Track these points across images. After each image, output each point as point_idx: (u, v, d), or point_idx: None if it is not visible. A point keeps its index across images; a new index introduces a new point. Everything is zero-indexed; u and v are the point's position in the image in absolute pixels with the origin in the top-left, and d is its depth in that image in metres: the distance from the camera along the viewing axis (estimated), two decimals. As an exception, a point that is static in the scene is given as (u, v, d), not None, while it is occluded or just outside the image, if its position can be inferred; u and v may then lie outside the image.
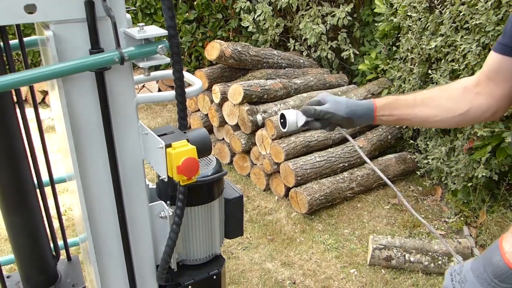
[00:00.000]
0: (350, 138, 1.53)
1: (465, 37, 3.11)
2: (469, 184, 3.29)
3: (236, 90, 4.00)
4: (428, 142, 3.79)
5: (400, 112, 1.38)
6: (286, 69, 4.82)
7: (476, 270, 0.99)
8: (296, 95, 4.38)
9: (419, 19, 3.67)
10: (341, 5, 4.90)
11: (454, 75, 3.34)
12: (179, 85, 1.06)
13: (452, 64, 3.28)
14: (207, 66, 5.22)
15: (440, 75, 3.40)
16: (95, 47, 0.93)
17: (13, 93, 1.08)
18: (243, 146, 4.08)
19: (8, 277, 1.30)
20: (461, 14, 3.14)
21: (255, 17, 5.27)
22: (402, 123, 1.39)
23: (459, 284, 1.01)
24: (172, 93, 1.11)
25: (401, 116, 1.39)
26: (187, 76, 1.19)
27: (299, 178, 3.64)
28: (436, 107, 1.35)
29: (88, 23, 0.90)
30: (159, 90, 5.85)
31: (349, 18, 4.86)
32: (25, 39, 1.14)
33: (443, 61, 3.42)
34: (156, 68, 5.29)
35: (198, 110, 4.58)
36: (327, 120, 1.40)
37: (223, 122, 4.29)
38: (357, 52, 5.08)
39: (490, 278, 0.97)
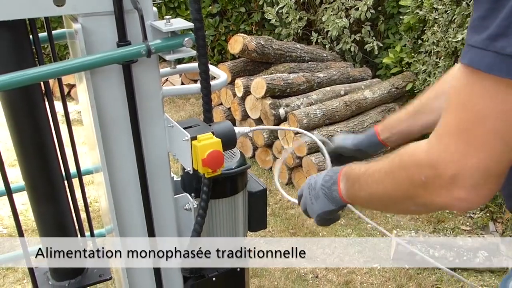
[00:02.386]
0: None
1: (493, 29, 3.04)
2: (496, 180, 3.22)
3: (259, 83, 4.00)
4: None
5: (399, 129, 1.37)
6: (309, 62, 4.79)
7: (325, 190, 1.10)
8: (319, 89, 4.36)
9: (446, 11, 3.60)
10: (364, -2, 4.84)
11: (481, 68, 3.27)
12: (205, 78, 1.06)
13: (480, 57, 3.20)
14: (230, 60, 5.22)
15: (467, 68, 3.33)
16: (122, 40, 0.93)
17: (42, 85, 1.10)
18: (266, 139, 4.07)
19: (36, 267, 1.33)
20: (489, 6, 3.07)
21: (278, 9, 5.25)
22: (410, 138, 1.40)
23: (314, 198, 1.13)
24: (197, 86, 1.11)
25: (402, 132, 1.37)
26: (212, 69, 1.19)
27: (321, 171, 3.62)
28: (431, 111, 1.30)
29: (115, 16, 0.91)
30: (182, 84, 5.88)
31: (372, 11, 4.80)
32: (53, 32, 1.15)
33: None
34: (179, 61, 5.32)
35: (221, 103, 4.59)
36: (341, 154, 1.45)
37: (245, 116, 4.29)
38: (381, 45, 5.01)
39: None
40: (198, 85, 1.10)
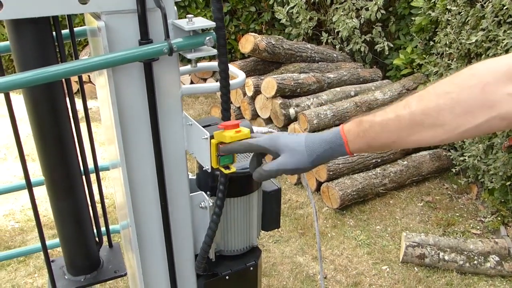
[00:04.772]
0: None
1: (508, 31, 3.03)
2: (508, 183, 3.21)
3: (269, 83, 4.00)
4: (464, 139, 3.71)
5: None
6: (319, 63, 4.79)
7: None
8: (329, 89, 4.35)
9: (459, 13, 3.58)
10: (375, -1, 4.83)
11: (494, 71, 3.25)
12: (224, 77, 1.06)
13: (493, 59, 3.19)
14: (239, 59, 5.22)
15: (480, 71, 3.31)
16: (145, 38, 0.94)
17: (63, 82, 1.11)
18: (275, 139, 4.07)
19: (52, 261, 1.34)
20: (504, 8, 3.05)
21: (288, 9, 5.25)
22: None
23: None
24: (216, 84, 1.12)
25: None
26: (230, 68, 1.20)
27: (331, 173, 3.62)
28: None
29: (138, 14, 0.91)
30: (192, 82, 5.89)
31: (383, 12, 4.79)
32: (74, 29, 1.16)
33: (483, 56, 3.33)
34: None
35: (231, 102, 4.60)
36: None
37: (255, 115, 4.29)
38: (392, 45, 4.99)
39: None
40: (217, 84, 1.10)
